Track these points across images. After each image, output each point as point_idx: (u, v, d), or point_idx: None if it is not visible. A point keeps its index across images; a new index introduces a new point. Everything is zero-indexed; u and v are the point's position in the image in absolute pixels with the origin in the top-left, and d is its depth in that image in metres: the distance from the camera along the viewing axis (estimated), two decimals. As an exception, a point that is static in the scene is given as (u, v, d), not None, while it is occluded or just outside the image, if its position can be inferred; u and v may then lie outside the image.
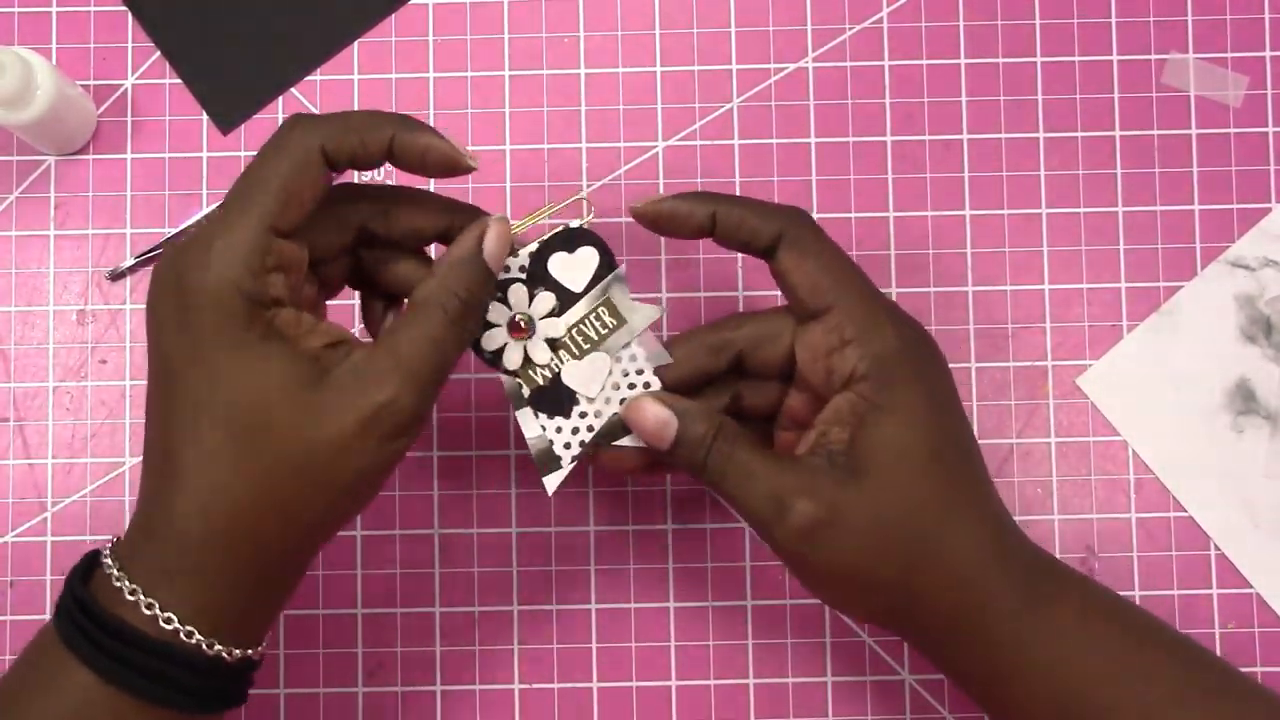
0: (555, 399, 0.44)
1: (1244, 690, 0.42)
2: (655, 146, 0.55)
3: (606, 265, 0.45)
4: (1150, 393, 0.53)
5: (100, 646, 0.37)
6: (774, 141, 0.55)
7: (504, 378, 0.44)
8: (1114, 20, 0.55)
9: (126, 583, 0.38)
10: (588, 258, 0.45)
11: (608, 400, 0.44)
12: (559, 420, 0.44)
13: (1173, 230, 0.54)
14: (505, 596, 0.53)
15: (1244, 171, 0.54)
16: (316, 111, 0.54)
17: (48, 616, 0.52)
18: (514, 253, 0.44)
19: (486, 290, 0.42)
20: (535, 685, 0.52)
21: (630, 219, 0.54)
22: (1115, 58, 0.55)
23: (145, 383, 0.40)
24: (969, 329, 0.54)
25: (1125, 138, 0.55)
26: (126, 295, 0.54)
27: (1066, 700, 0.40)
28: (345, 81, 0.55)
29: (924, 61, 0.55)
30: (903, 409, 0.41)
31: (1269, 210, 0.54)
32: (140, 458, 0.40)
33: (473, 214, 0.44)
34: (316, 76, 0.55)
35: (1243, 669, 0.51)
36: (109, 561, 0.39)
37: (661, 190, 0.54)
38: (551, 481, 0.45)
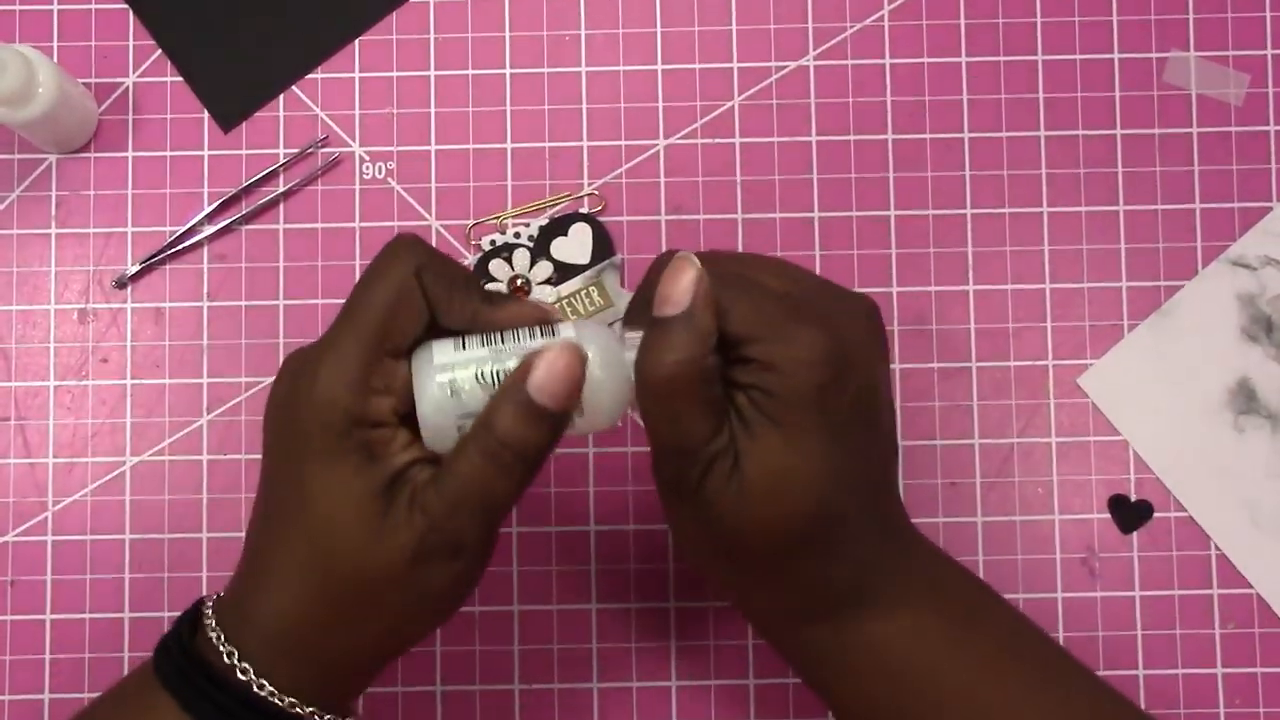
0: None
1: (1078, 684, 0.41)
2: (656, 145, 0.55)
3: (604, 252, 0.51)
4: (1151, 392, 0.53)
5: (203, 693, 0.38)
6: (775, 140, 0.55)
7: None
8: (1115, 18, 0.55)
9: (224, 644, 0.39)
10: (586, 242, 0.51)
11: None
12: None
13: (1174, 229, 0.54)
14: (506, 597, 0.53)
15: (1245, 170, 0.54)
16: (317, 109, 0.55)
17: (48, 616, 0.52)
18: (527, 225, 0.48)
19: (543, 439, 0.38)
20: (535, 685, 0.52)
21: (631, 217, 0.54)
22: (1116, 56, 0.55)
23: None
24: (970, 328, 0.54)
25: (1126, 136, 0.55)
26: (128, 294, 0.54)
27: (896, 701, 0.40)
28: (347, 80, 0.55)
29: (925, 60, 0.55)
30: (787, 428, 0.38)
31: (1270, 209, 0.54)
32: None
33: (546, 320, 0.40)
34: (318, 75, 0.55)
35: (1242, 670, 0.52)
36: (211, 623, 0.40)
37: (664, 197, 0.54)
38: None
